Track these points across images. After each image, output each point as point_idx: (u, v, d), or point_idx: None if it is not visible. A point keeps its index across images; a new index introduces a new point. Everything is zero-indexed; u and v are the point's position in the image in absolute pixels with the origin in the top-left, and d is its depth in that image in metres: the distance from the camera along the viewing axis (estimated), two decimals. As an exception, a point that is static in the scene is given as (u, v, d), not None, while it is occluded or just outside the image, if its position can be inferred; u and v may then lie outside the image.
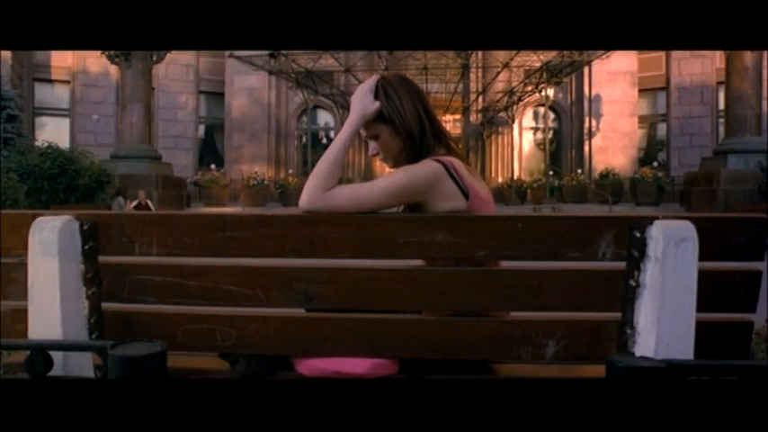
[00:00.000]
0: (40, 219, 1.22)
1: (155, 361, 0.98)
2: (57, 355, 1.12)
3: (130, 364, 0.97)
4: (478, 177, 1.43)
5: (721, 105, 16.15)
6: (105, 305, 1.29)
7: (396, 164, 1.46)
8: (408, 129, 1.40)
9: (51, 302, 1.19)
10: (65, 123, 19.88)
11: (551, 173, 18.22)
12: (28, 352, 1.07)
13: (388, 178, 1.33)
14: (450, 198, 1.32)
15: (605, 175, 16.98)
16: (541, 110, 19.56)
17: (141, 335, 1.24)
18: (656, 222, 1.16)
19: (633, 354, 1.17)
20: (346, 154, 1.39)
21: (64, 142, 15.85)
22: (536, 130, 21.10)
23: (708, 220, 1.21)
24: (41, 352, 1.07)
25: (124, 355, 0.98)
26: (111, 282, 1.28)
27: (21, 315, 1.24)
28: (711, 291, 1.20)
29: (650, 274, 1.15)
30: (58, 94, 19.96)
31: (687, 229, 1.14)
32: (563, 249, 1.21)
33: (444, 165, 1.34)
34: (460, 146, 1.52)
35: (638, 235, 1.17)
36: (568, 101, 20.37)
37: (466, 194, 1.33)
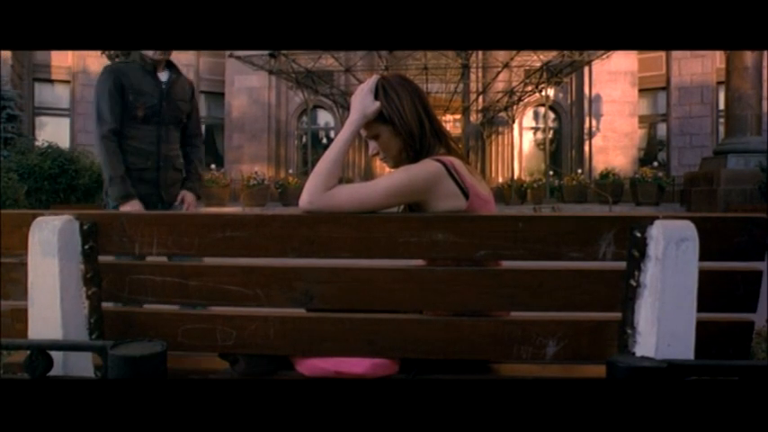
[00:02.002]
0: (40, 218, 1.22)
1: (155, 361, 0.98)
2: (57, 355, 1.12)
3: (131, 364, 0.97)
4: (479, 177, 1.43)
5: (721, 105, 16.12)
6: (105, 305, 1.29)
7: (396, 164, 1.46)
8: (408, 129, 1.40)
9: (51, 302, 1.19)
10: (65, 123, 19.86)
11: (551, 173, 18.20)
12: (28, 352, 1.07)
13: (389, 178, 1.33)
14: (451, 197, 1.32)
15: (605, 175, 16.94)
16: (541, 110, 19.53)
17: (141, 335, 1.24)
18: (657, 222, 1.16)
19: (634, 354, 1.17)
20: (346, 154, 1.39)
21: (64, 142, 15.86)
22: (536, 129, 21.08)
23: (708, 220, 1.21)
24: (41, 352, 1.07)
25: (124, 355, 0.97)
26: (111, 281, 1.28)
27: (21, 315, 1.24)
28: (712, 291, 1.20)
29: (651, 273, 1.15)
30: (58, 94, 19.94)
31: (688, 229, 1.14)
32: (563, 249, 1.21)
33: (444, 164, 1.34)
34: (460, 146, 1.52)
35: (638, 235, 1.17)
36: (568, 101, 20.35)
37: (466, 194, 1.33)
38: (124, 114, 2.57)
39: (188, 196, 2.84)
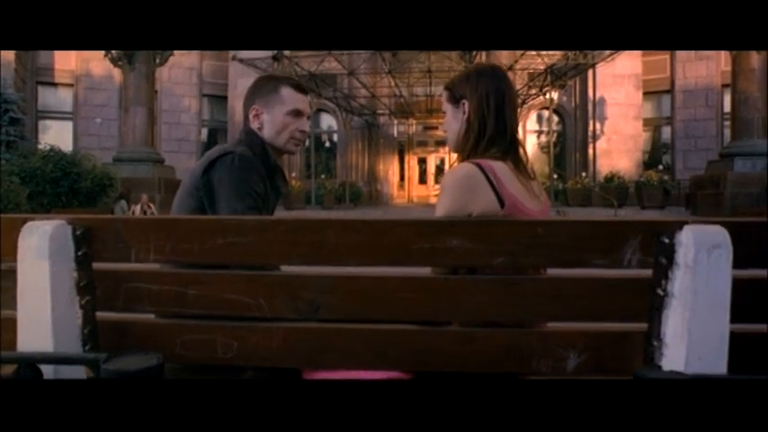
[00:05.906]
0: (30, 223, 1.16)
1: (150, 375, 0.92)
2: (47, 368, 1.06)
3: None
4: (528, 188, 1.38)
5: (726, 108, 16.09)
6: (100, 315, 1.23)
7: (454, 147, 1.48)
8: (468, 120, 1.42)
9: (42, 311, 1.13)
10: (68, 126, 19.97)
11: (556, 176, 18.19)
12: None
13: (438, 206, 1.33)
14: (483, 200, 1.29)
15: (610, 178, 16.95)
16: (545, 113, 19.55)
17: (138, 346, 1.18)
18: (686, 228, 1.09)
19: (660, 367, 1.11)
20: None
21: (67, 145, 15.93)
22: (540, 133, 21.10)
23: (740, 225, 1.14)
24: (30, 365, 1.01)
25: (117, 370, 0.92)
26: (105, 290, 1.21)
27: (9, 324, 1.17)
28: (745, 300, 1.13)
29: (680, 282, 1.09)
30: (61, 98, 20.04)
31: (720, 235, 1.07)
32: (585, 256, 1.14)
33: (481, 167, 1.31)
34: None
35: (666, 241, 1.10)
36: (572, 104, 20.38)
37: (502, 202, 1.28)
38: None
39: None
